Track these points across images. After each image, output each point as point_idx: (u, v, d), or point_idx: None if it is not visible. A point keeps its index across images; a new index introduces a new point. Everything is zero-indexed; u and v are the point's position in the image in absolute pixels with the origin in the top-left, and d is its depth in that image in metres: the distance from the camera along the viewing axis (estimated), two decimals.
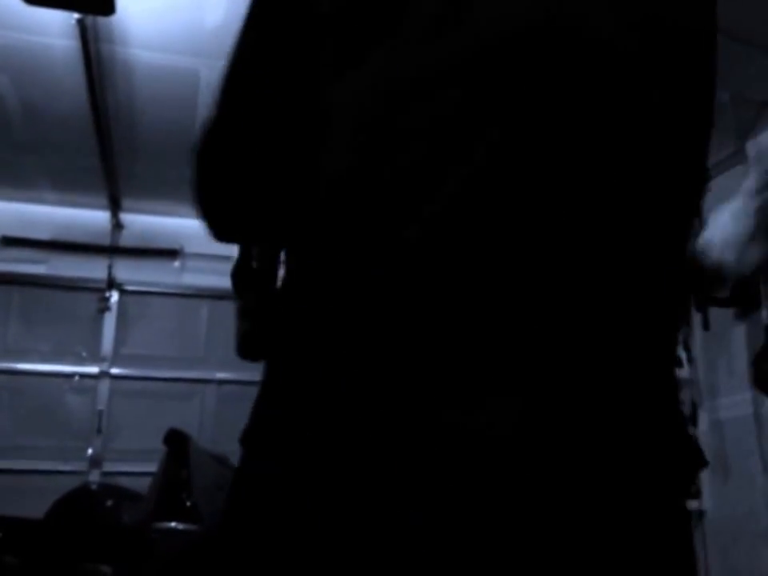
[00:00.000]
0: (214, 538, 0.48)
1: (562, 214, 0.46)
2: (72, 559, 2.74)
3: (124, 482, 3.46)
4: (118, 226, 4.00)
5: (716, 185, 3.32)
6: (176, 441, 3.04)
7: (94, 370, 3.92)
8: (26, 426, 3.77)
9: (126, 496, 3.15)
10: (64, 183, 3.76)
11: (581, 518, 0.44)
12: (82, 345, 3.94)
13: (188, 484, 2.90)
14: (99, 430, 3.82)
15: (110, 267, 3.93)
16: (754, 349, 3.24)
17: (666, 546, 0.49)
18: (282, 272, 1.93)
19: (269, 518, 0.45)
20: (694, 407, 3.58)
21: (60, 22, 2.58)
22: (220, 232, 0.64)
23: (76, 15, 2.50)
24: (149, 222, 4.01)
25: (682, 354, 3.52)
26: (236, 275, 2.03)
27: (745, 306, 3.33)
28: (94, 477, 3.72)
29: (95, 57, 2.76)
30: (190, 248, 3.94)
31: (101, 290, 3.95)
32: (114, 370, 3.94)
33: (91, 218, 3.93)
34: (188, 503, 2.87)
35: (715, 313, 3.36)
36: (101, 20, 2.53)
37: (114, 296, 3.99)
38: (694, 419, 3.58)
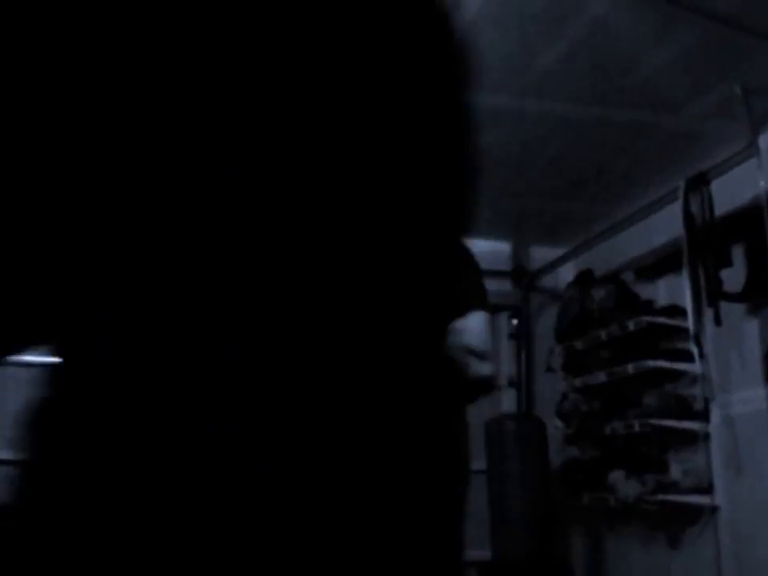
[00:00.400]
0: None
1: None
2: None
3: None
4: None
5: (730, 178, 3.30)
6: None
7: None
8: None
9: None
10: None
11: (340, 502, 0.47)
12: None
13: None
14: None
15: None
16: (767, 344, 3.23)
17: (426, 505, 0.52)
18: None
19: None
20: (707, 403, 3.57)
21: None
22: None
23: None
24: None
25: (693, 350, 3.50)
26: None
27: (757, 301, 3.31)
28: None
29: None
30: None
31: None
32: None
33: None
34: None
35: (727, 308, 3.33)
36: None
37: None
38: (706, 415, 3.56)
